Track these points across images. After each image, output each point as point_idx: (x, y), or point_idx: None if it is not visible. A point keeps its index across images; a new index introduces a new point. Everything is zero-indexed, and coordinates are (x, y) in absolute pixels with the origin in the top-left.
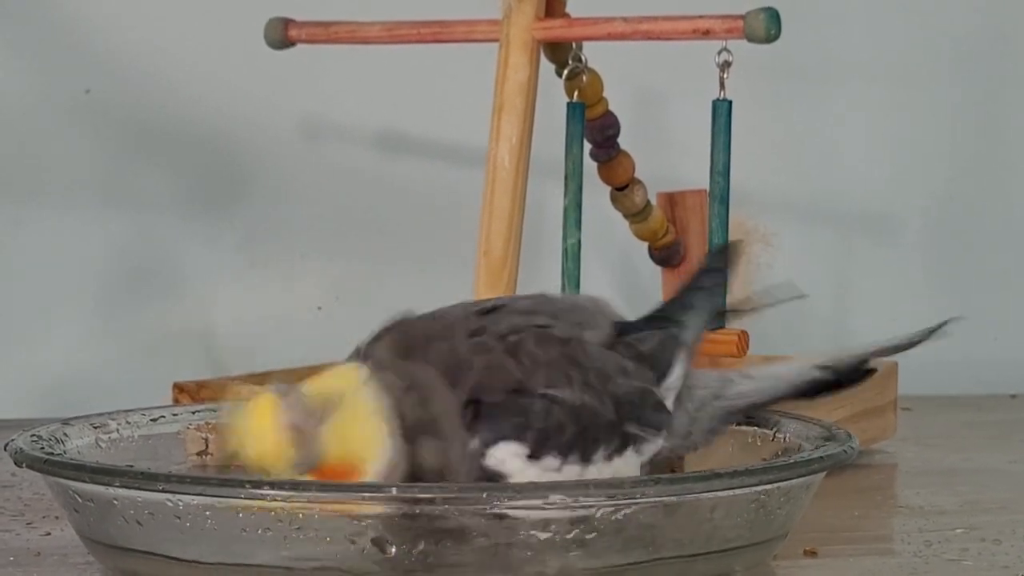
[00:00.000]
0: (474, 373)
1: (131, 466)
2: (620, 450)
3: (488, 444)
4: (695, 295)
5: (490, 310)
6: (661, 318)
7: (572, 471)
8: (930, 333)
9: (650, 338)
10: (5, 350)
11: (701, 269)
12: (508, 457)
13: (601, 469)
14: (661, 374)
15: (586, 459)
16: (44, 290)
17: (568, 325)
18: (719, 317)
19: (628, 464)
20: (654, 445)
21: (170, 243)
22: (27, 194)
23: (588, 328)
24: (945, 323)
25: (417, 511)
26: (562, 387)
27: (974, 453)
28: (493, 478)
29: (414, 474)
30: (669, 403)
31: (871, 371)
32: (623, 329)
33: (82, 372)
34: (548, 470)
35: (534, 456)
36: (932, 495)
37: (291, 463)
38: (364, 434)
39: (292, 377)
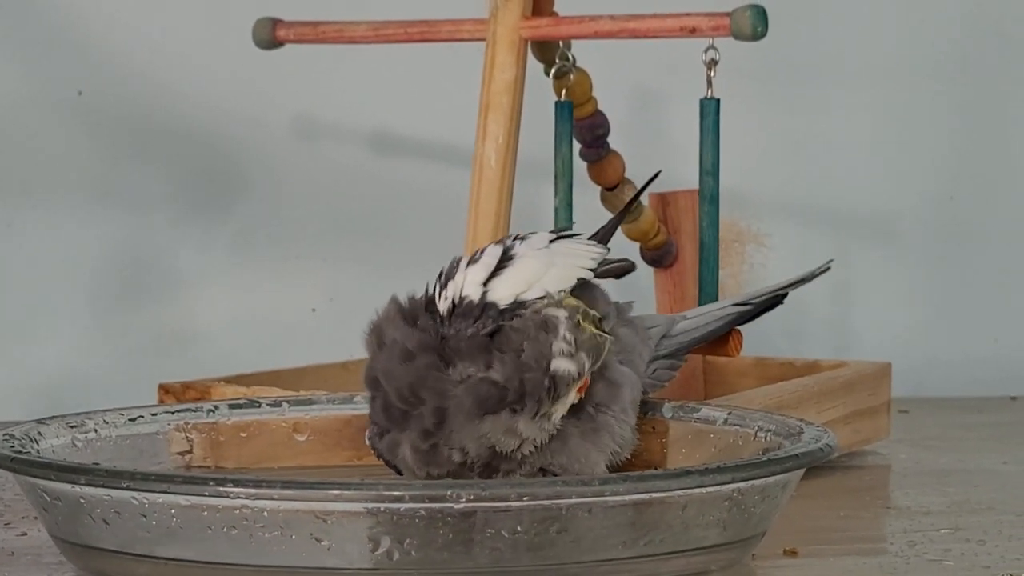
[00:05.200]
0: None
1: (96, 464)
2: (558, 240)
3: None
4: None
5: None
6: None
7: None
8: (819, 272)
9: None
10: None
11: None
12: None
13: (553, 248)
14: None
15: (532, 246)
16: (35, 291)
17: None
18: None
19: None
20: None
21: (162, 244)
22: (19, 196)
23: None
24: (827, 265)
25: (383, 508)
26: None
27: (968, 454)
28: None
29: None
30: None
31: (781, 297)
32: None
33: (73, 373)
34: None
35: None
36: (921, 496)
37: None
38: None
39: (280, 379)
